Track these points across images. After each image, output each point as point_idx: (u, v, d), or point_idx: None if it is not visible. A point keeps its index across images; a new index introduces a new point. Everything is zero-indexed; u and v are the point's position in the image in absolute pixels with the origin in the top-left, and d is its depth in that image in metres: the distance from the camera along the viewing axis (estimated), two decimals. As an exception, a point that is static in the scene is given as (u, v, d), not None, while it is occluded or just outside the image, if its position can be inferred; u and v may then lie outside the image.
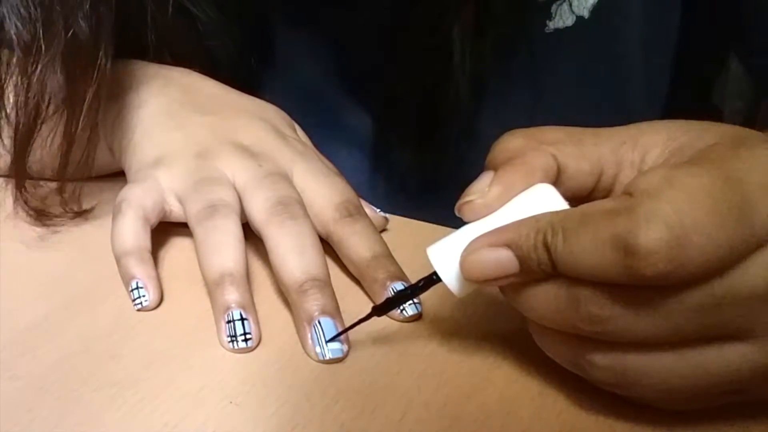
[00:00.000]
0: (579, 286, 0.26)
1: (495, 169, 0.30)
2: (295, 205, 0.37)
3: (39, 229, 0.42)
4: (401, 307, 0.35)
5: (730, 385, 0.26)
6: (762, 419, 0.29)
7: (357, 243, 0.37)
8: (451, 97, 0.47)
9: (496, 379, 0.32)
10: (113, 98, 0.44)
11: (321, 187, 0.39)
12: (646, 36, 0.49)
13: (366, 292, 0.37)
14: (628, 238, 0.24)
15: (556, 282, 0.27)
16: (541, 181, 0.29)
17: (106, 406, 0.30)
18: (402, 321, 0.35)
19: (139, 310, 0.36)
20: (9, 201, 0.42)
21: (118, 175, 0.46)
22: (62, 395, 0.31)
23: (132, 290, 0.36)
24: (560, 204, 0.29)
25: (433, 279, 0.31)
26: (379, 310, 0.33)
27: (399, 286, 0.35)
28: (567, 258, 0.26)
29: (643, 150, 0.30)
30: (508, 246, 0.27)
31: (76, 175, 0.47)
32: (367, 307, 0.35)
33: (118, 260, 0.37)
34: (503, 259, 0.27)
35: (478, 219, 0.30)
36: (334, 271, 0.38)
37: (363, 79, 0.52)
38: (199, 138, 0.41)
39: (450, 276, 0.30)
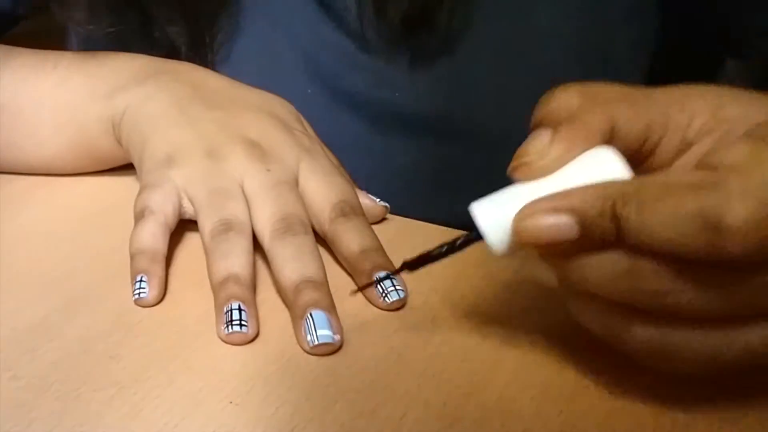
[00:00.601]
0: (642, 257, 0.25)
1: (550, 126, 0.29)
2: (297, 224, 0.37)
3: (39, 230, 0.43)
4: (384, 293, 0.35)
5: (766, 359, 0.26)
6: (760, 407, 0.29)
7: (349, 239, 0.38)
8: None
9: (496, 379, 0.32)
10: (121, 91, 0.44)
11: (321, 187, 0.40)
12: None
13: (365, 294, 0.37)
14: (718, 214, 0.23)
15: (615, 252, 0.26)
16: (600, 144, 0.28)
17: (106, 406, 0.30)
18: (385, 308, 0.35)
19: (136, 301, 0.35)
20: (9, 201, 0.42)
21: (118, 175, 0.46)
22: (62, 395, 0.31)
23: (135, 282, 0.36)
24: (623, 171, 0.28)
25: (472, 238, 0.29)
26: (411, 265, 0.32)
27: (383, 275, 0.35)
28: (640, 229, 0.25)
29: (690, 115, 0.29)
30: (571, 212, 0.26)
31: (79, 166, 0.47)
32: (368, 308, 0.36)
33: (131, 257, 0.37)
34: (563, 225, 0.26)
35: (531, 180, 0.29)
36: (334, 272, 0.38)
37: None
38: (208, 134, 0.41)
39: (493, 235, 0.28)
